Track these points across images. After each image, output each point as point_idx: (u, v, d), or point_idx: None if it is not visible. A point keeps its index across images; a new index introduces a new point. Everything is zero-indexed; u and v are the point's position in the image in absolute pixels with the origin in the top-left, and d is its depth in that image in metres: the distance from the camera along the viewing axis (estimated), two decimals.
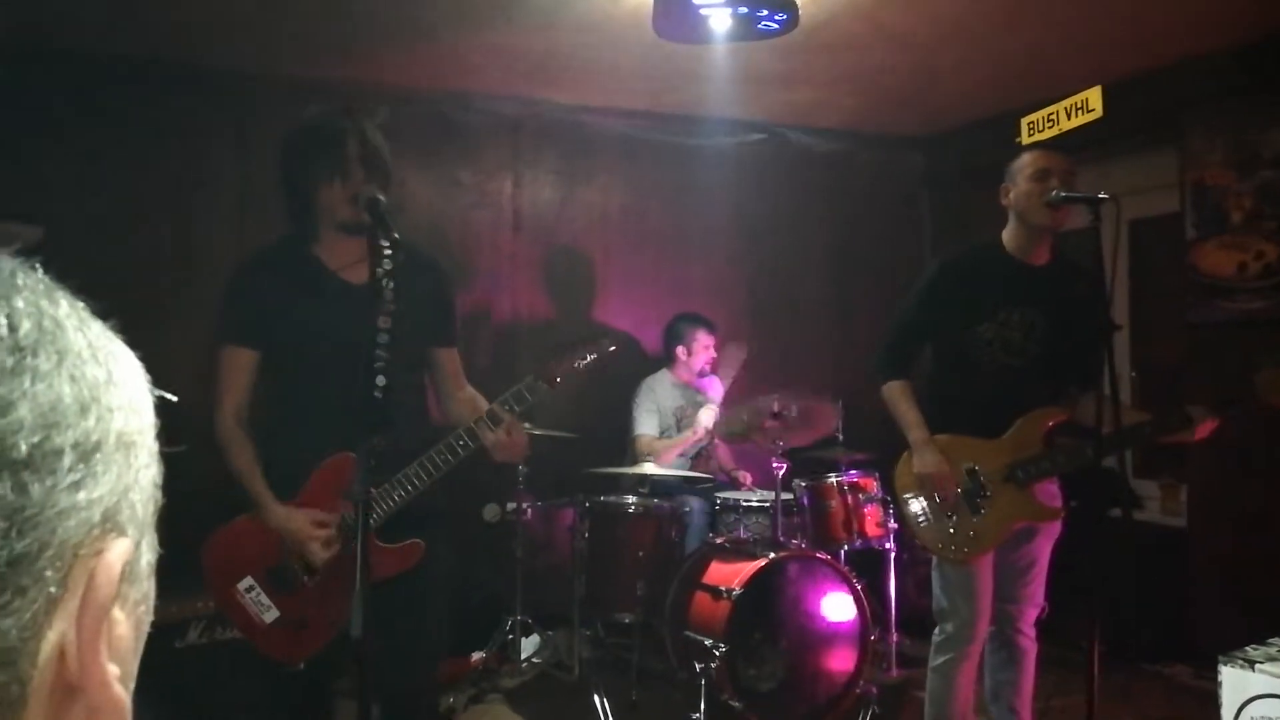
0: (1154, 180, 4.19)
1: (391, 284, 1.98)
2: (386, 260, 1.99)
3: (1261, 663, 1.07)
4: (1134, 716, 3.49)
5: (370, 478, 1.76)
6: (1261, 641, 1.16)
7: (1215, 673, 3.90)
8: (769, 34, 3.26)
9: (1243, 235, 3.83)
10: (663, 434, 4.42)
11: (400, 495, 2.05)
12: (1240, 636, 4.00)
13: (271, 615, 2.08)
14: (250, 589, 2.08)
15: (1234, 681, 1.03)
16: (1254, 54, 3.75)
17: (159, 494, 0.48)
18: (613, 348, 2.19)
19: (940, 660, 2.77)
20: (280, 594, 2.08)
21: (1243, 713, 1.00)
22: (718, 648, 3.21)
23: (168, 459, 0.50)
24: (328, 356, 2.06)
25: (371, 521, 2.02)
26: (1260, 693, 1.01)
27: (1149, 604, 4.00)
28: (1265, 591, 3.73)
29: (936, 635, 2.79)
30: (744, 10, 3.09)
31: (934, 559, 2.77)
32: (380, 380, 1.77)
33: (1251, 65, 3.77)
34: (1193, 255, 4.01)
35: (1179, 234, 4.07)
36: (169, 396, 0.52)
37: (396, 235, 1.83)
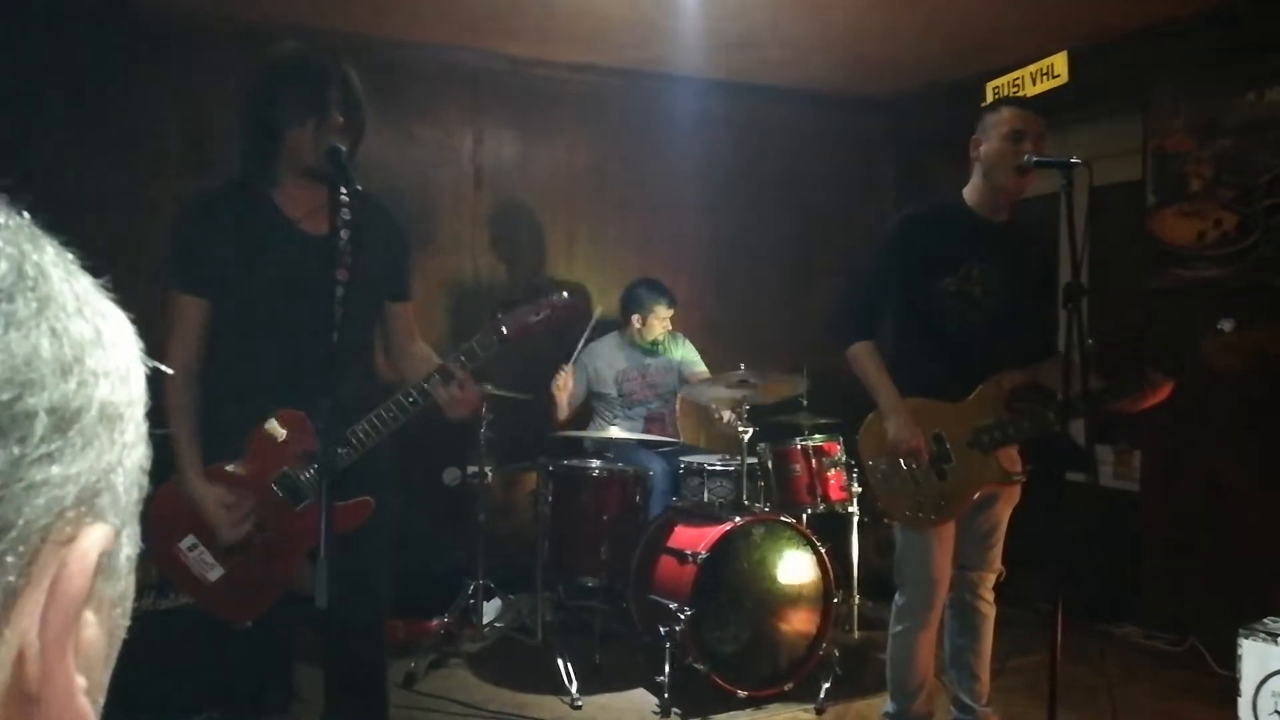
0: (1116, 148, 4.20)
1: (349, 236, 1.90)
2: (346, 211, 1.92)
3: None
4: (1089, 675, 3.57)
5: (332, 438, 1.69)
6: (1251, 614, 1.15)
7: (1164, 633, 3.96)
8: None
9: (1202, 203, 3.86)
10: (601, 396, 4.39)
11: (347, 452, 1.97)
12: (1190, 599, 4.10)
13: (216, 574, 2.01)
14: (193, 547, 2.00)
15: (1256, 655, 1.01)
16: (1219, 21, 3.76)
17: (145, 480, 0.41)
18: (565, 296, 2.13)
19: (900, 627, 2.78)
20: (225, 552, 2.00)
21: (1264, 687, 0.98)
22: (683, 611, 3.20)
23: (157, 442, 0.43)
24: (283, 308, 1.96)
25: (312, 479, 1.98)
26: None
27: (1101, 566, 4.08)
28: (1215, 555, 3.82)
29: (897, 601, 2.80)
30: None
31: (896, 525, 2.77)
32: (335, 335, 1.69)
33: (1216, 33, 3.79)
34: (1152, 223, 4.04)
35: (1140, 201, 4.10)
36: (164, 369, 0.45)
37: (359, 187, 1.75)
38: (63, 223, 0.39)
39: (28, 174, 3.67)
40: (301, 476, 2.00)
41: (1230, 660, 3.56)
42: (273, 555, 2.02)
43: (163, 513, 1.99)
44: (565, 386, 4.15)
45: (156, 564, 2.05)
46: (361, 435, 1.99)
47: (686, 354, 4.48)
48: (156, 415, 0.43)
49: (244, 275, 1.97)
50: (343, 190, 1.90)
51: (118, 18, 3.89)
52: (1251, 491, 3.70)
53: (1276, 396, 3.59)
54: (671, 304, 4.34)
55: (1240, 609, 3.64)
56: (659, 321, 4.32)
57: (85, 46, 3.87)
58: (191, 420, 1.97)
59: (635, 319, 4.32)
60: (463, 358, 2.03)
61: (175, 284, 2.00)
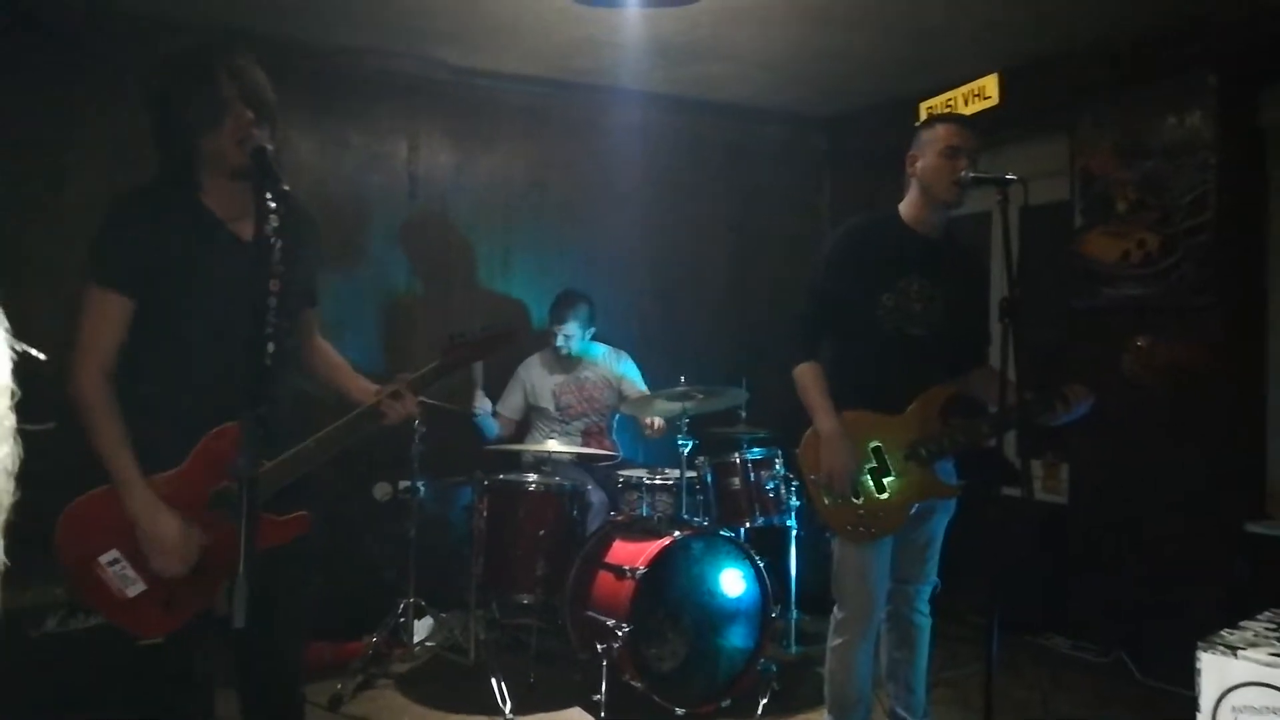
0: (1045, 168, 4.31)
1: (280, 243, 1.83)
2: (273, 216, 1.84)
3: (1243, 649, 1.04)
4: (1020, 687, 3.62)
5: (256, 452, 1.61)
6: (1234, 626, 1.15)
7: (1090, 644, 4.03)
8: (683, 1, 3.18)
9: (1127, 224, 3.98)
10: (540, 411, 4.34)
11: (293, 469, 1.93)
12: (1116, 610, 4.18)
13: (136, 589, 1.89)
14: (114, 562, 1.88)
15: (1215, 668, 1.00)
16: (1145, 46, 3.88)
17: (13, 487, 0.35)
18: (505, 331, 2.22)
19: (838, 640, 2.77)
20: (149, 568, 1.89)
21: (1223, 702, 0.97)
22: (620, 628, 3.15)
23: (29, 439, 0.37)
24: (215, 316, 1.88)
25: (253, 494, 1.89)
26: (1242, 681, 0.98)
27: (1030, 578, 4.15)
28: (1139, 567, 3.91)
29: (835, 614, 2.80)
30: None
31: (835, 539, 2.77)
32: (270, 347, 1.62)
33: (1142, 57, 3.91)
34: (1079, 242, 4.15)
35: (1068, 221, 4.21)
36: (35, 354, 0.39)
37: (286, 187, 1.68)
38: None
39: None
40: (232, 492, 1.89)
41: (1154, 671, 3.68)
42: (202, 572, 1.91)
43: (81, 524, 1.87)
44: (480, 407, 4.09)
45: (68, 579, 1.92)
46: (314, 453, 1.94)
47: (627, 371, 4.44)
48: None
49: (172, 276, 1.87)
50: (269, 193, 1.80)
51: (38, 14, 3.72)
52: (1174, 505, 3.80)
53: (1197, 411, 3.71)
54: (572, 318, 4.24)
55: (1165, 620, 3.76)
56: (564, 339, 4.24)
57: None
58: (120, 423, 1.85)
59: (554, 329, 4.29)
60: (418, 385, 2.09)
61: (97, 279, 1.87)
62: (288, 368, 2.04)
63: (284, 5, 3.76)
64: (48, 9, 3.73)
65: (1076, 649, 4.06)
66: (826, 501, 2.69)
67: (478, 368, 3.85)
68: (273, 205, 1.77)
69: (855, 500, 2.65)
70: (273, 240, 1.66)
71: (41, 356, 0.36)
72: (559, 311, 4.27)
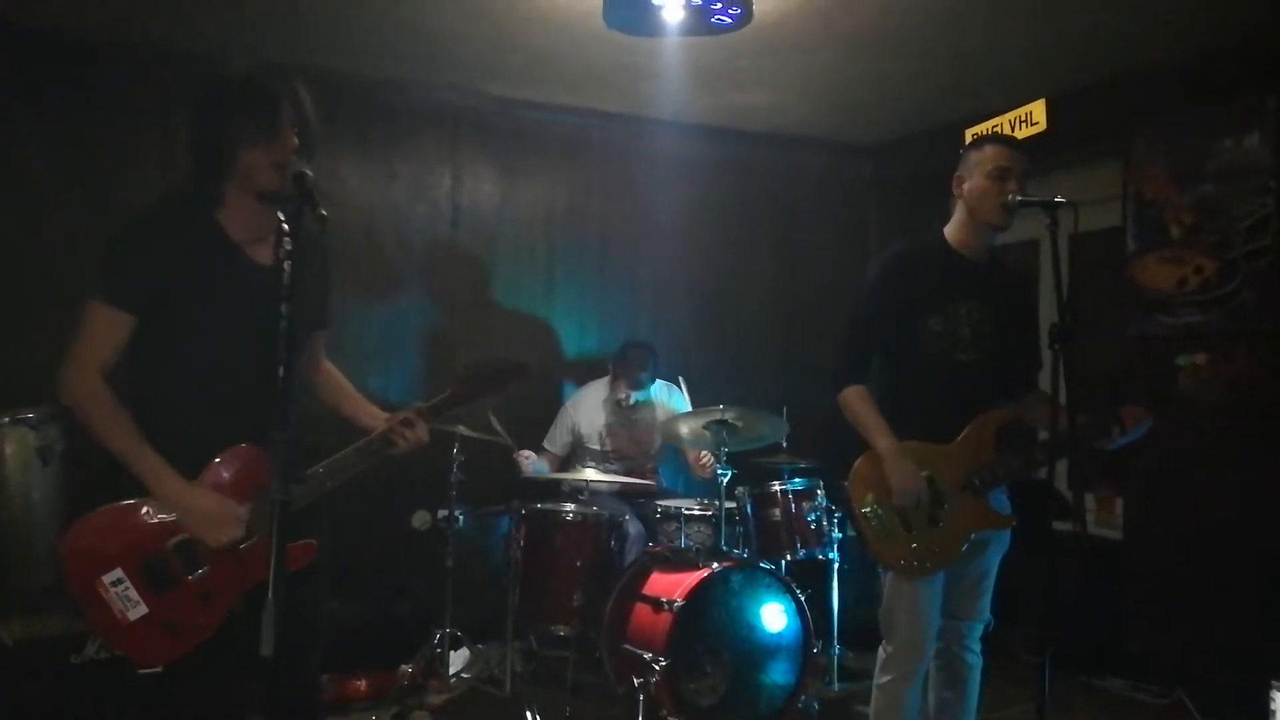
0: (1095, 193, 4.21)
1: (290, 266, 1.83)
2: (286, 239, 1.85)
3: None
4: None
5: (287, 475, 1.60)
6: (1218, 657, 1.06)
7: (1150, 685, 3.86)
8: (721, 28, 3.18)
9: (1182, 249, 3.86)
10: (585, 449, 4.32)
11: (306, 491, 1.93)
12: (1176, 649, 4.01)
13: (138, 612, 1.88)
14: (118, 582, 1.87)
15: None
16: (1198, 68, 3.79)
17: None
18: (518, 368, 2.18)
19: (886, 678, 2.68)
20: (152, 590, 1.88)
21: None
22: (657, 661, 3.09)
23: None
24: (225, 337, 1.89)
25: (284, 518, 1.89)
26: None
27: (1084, 616, 4.00)
28: (1199, 605, 3.75)
29: (883, 650, 2.71)
30: (697, 2, 3.00)
31: (887, 573, 2.67)
32: (281, 370, 1.62)
33: (1196, 78, 3.82)
34: (1132, 269, 4.04)
35: (1119, 248, 4.10)
36: None
37: (324, 212, 1.68)
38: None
39: None
40: (254, 515, 1.91)
41: (1218, 711, 3.51)
42: (205, 596, 1.91)
43: (86, 545, 1.88)
44: (529, 466, 4.08)
45: (72, 599, 1.90)
46: (322, 475, 1.93)
47: (677, 405, 4.36)
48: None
49: (179, 295, 1.89)
50: (298, 219, 1.84)
51: (95, 44, 3.84)
52: (1234, 538, 3.65)
53: (1256, 438, 3.56)
54: (643, 376, 4.25)
55: (1228, 659, 3.59)
56: (628, 391, 4.25)
57: (54, 74, 3.82)
58: (128, 422, 1.85)
59: (618, 376, 4.27)
60: (428, 414, 2.07)
61: (97, 294, 1.88)
62: (297, 392, 2.01)
63: (332, 40, 3.83)
64: (104, 47, 3.85)
65: (1134, 689, 3.89)
66: (878, 534, 2.60)
67: (495, 420, 3.82)
68: (285, 228, 1.79)
69: (908, 533, 2.57)
70: (285, 264, 1.67)
71: None
72: (627, 368, 4.25)
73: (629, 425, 4.32)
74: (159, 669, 1.90)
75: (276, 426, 1.58)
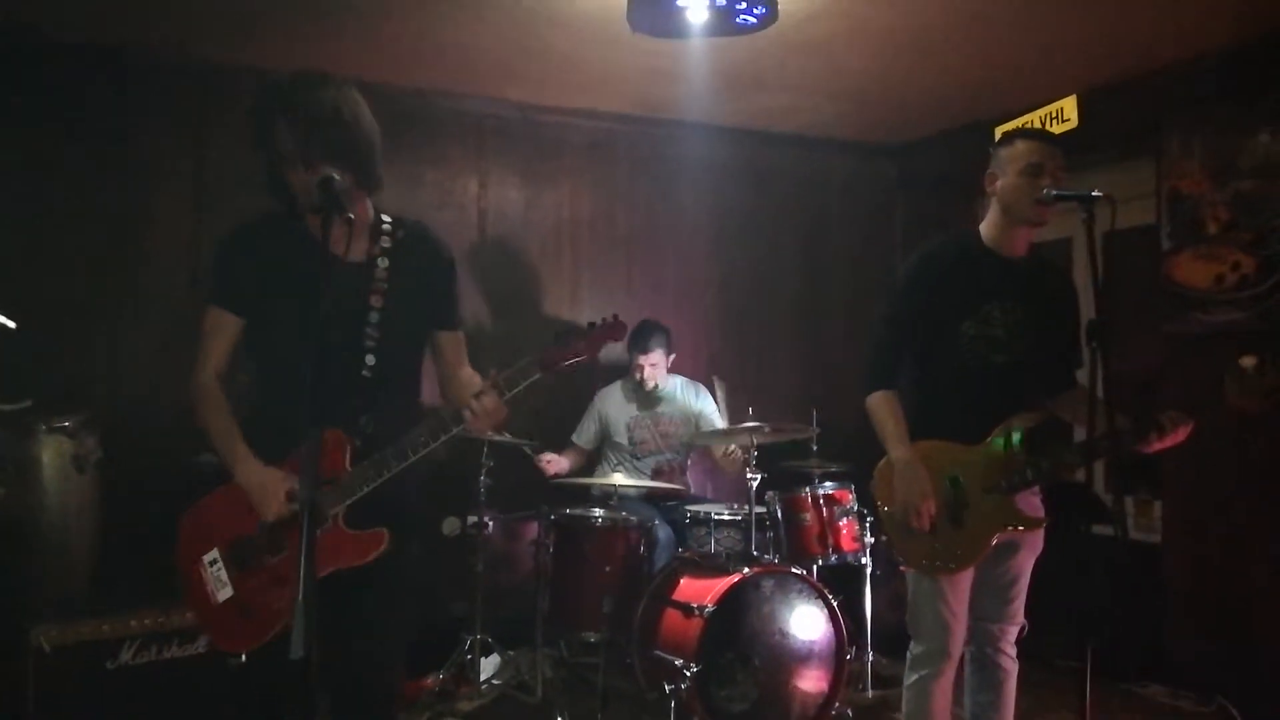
0: (1130, 190, 4.14)
1: (387, 262, 1.91)
2: (385, 238, 1.92)
3: None
4: None
5: (316, 473, 1.60)
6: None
7: (1191, 692, 3.77)
8: (746, 28, 3.16)
9: (1218, 246, 3.79)
10: (614, 444, 4.30)
11: (373, 477, 1.90)
12: (1218, 656, 3.93)
13: (225, 594, 1.96)
14: (214, 562, 1.97)
15: None
16: (1233, 61, 3.72)
17: None
18: (608, 322, 1.99)
19: (914, 677, 2.65)
20: (238, 571, 1.96)
21: None
22: (688, 667, 3.07)
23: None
24: (314, 332, 1.86)
25: (333, 508, 1.93)
26: None
27: (1124, 622, 3.93)
28: (1240, 610, 3.67)
29: (912, 650, 2.68)
30: (722, 2, 2.99)
31: (910, 572, 2.65)
32: (370, 360, 1.63)
33: (1230, 72, 3.75)
34: (1168, 266, 3.97)
35: (1154, 245, 4.03)
36: (6, 322, 0.36)
37: (351, 216, 1.69)
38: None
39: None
40: (324, 497, 1.89)
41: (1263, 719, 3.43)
42: (279, 579, 1.94)
43: (196, 525, 2.00)
44: (551, 468, 4.11)
45: (181, 576, 2.01)
46: (390, 460, 1.91)
47: (705, 407, 4.36)
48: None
49: (275, 297, 1.97)
50: (385, 219, 1.98)
51: (129, 59, 3.90)
52: (1276, 542, 3.56)
53: None
54: (656, 347, 4.21)
55: (1271, 666, 3.51)
56: (650, 368, 4.22)
57: (89, 89, 3.89)
58: (231, 418, 1.99)
59: (633, 363, 4.26)
60: (503, 386, 1.93)
61: (208, 298, 2.06)
62: (394, 384, 2.03)
63: (359, 50, 3.86)
64: (140, 60, 3.91)
65: (1175, 697, 3.81)
66: (900, 533, 2.57)
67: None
68: (386, 227, 1.85)
69: (930, 533, 2.54)
70: (379, 260, 1.75)
71: (10, 325, 0.33)
72: (641, 341, 4.21)
73: (655, 418, 4.31)
74: (241, 659, 1.95)
75: (350, 414, 1.55)
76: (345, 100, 1.96)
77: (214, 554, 1.97)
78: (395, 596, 2.04)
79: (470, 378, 2.16)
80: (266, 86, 1.95)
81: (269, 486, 1.91)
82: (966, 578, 2.60)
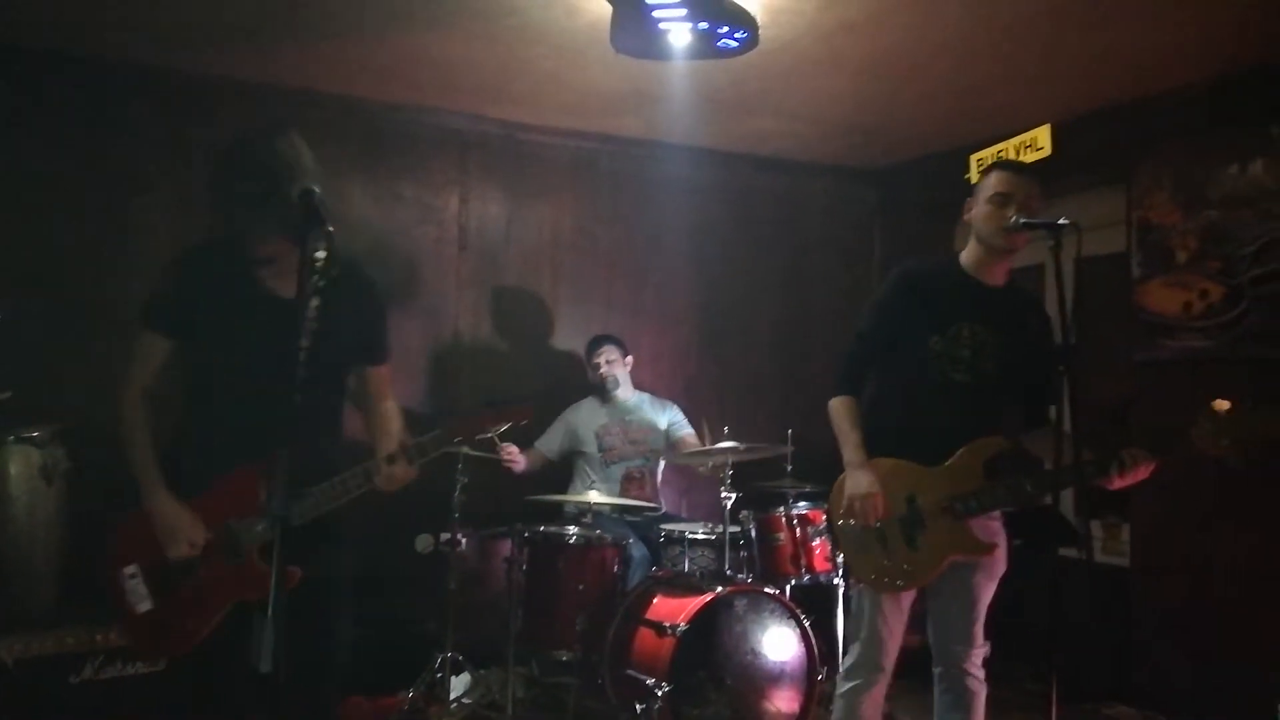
0: (1100, 219, 4.21)
1: (318, 302, 1.91)
2: (317, 277, 1.89)
3: None
4: None
5: (287, 496, 1.62)
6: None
7: (1157, 713, 3.79)
8: (728, 52, 3.20)
9: (1187, 274, 3.86)
10: (584, 455, 4.34)
11: (298, 513, 1.98)
12: (1184, 677, 3.96)
13: (145, 606, 2.10)
14: (133, 576, 2.10)
15: None
16: (1204, 95, 3.80)
17: None
18: (525, 421, 2.20)
19: (846, 687, 2.69)
20: (156, 588, 2.08)
21: None
22: (660, 687, 3.06)
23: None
24: (245, 366, 2.02)
25: (253, 534, 2.05)
26: None
27: (1090, 643, 3.96)
28: (1207, 632, 3.71)
29: (845, 661, 2.72)
30: (704, 26, 3.02)
31: (858, 585, 2.69)
32: (296, 398, 1.70)
33: (1201, 106, 3.83)
34: (1138, 294, 4.03)
35: (1125, 273, 4.10)
36: None
37: (331, 229, 1.71)
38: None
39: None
40: (243, 532, 2.04)
41: None
42: (196, 601, 2.05)
43: (123, 537, 2.11)
44: (513, 460, 4.12)
45: (105, 585, 2.13)
46: (308, 502, 2.02)
47: (673, 416, 4.43)
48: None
49: (208, 325, 2.07)
50: (318, 254, 1.90)
51: (112, 70, 3.89)
52: (1243, 565, 3.61)
53: (1268, 466, 3.52)
54: (606, 344, 4.36)
55: (1237, 688, 3.54)
56: (606, 364, 4.30)
57: (73, 98, 3.87)
58: (149, 444, 2.09)
59: (590, 368, 4.33)
60: (413, 454, 2.09)
61: (144, 319, 2.15)
62: (316, 421, 2.10)
63: (342, 66, 3.88)
64: (120, 69, 3.90)
65: (1142, 718, 3.84)
66: (852, 547, 2.61)
67: None
68: (318, 263, 1.82)
69: (882, 548, 2.57)
70: (311, 299, 1.76)
71: None
72: (593, 346, 4.37)
73: (623, 425, 4.34)
74: (160, 667, 2.11)
75: (273, 449, 1.63)
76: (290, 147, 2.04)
77: (134, 568, 2.09)
78: (330, 625, 2.14)
79: (391, 410, 2.31)
80: (240, 136, 2.07)
81: (179, 530, 2.02)
82: (909, 596, 2.64)
